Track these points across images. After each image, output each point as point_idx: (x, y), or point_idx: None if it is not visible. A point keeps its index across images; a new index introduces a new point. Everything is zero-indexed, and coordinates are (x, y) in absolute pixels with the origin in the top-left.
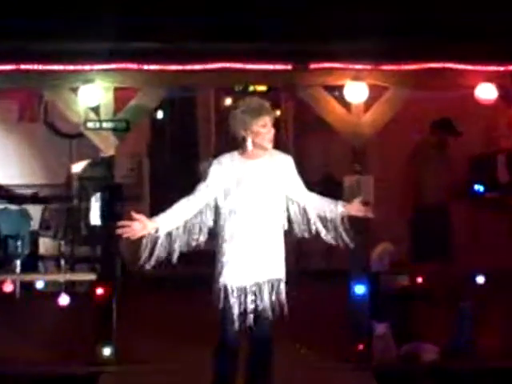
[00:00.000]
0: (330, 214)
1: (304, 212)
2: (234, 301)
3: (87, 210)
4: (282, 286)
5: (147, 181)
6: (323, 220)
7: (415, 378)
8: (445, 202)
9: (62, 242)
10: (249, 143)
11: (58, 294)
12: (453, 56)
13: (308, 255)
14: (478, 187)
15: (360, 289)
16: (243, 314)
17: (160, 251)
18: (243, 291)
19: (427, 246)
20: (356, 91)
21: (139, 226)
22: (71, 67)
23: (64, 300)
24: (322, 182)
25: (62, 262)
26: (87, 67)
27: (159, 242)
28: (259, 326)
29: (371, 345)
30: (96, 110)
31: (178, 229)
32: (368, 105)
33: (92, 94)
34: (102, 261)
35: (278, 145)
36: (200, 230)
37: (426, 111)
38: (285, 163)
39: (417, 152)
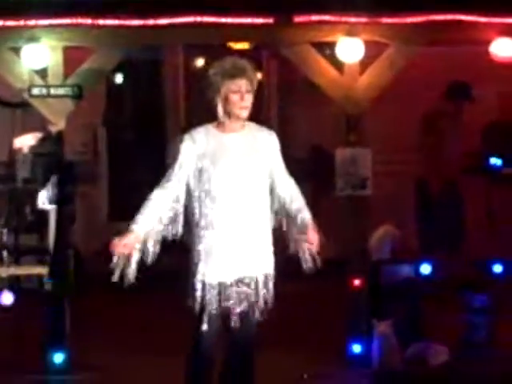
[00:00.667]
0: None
1: (276, 201)
2: (212, 299)
3: (34, 192)
4: (271, 283)
5: (104, 157)
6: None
7: (422, 383)
8: (457, 179)
9: (4, 231)
10: (219, 110)
11: (0, 292)
12: (463, 6)
13: None
14: (495, 161)
15: (358, 281)
16: (223, 314)
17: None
18: (224, 288)
19: (437, 232)
20: (350, 49)
21: (125, 249)
22: (12, 23)
23: (7, 298)
24: (310, 157)
25: (5, 253)
26: (31, 22)
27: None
28: (242, 329)
29: (372, 346)
30: (42, 73)
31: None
32: (364, 65)
33: (37, 55)
34: (53, 252)
35: (260, 113)
36: (175, 220)
37: (432, 72)
38: (267, 141)
39: (427, 122)
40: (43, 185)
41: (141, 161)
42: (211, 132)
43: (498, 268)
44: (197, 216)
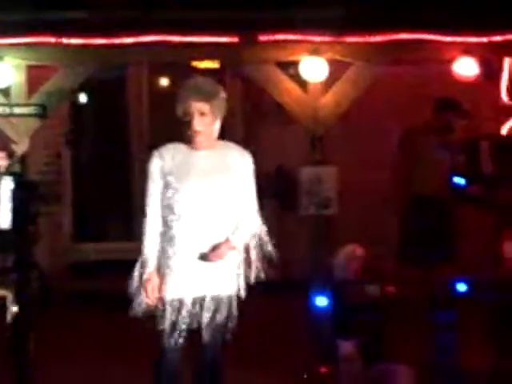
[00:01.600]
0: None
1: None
2: (172, 316)
3: None
4: (233, 304)
5: (68, 177)
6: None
7: None
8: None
9: None
10: (186, 128)
11: None
12: (426, 26)
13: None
14: (459, 180)
15: (322, 301)
16: (182, 332)
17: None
18: (183, 305)
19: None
20: (314, 68)
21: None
22: None
23: None
24: (275, 176)
25: None
26: None
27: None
28: (207, 347)
29: (336, 367)
30: (6, 92)
31: None
32: (328, 84)
33: (1, 74)
34: (16, 273)
35: (225, 132)
36: None
37: (396, 91)
38: (239, 161)
39: (409, 139)
40: (5, 205)
41: (105, 180)
42: (180, 149)
43: (461, 287)
44: (162, 233)
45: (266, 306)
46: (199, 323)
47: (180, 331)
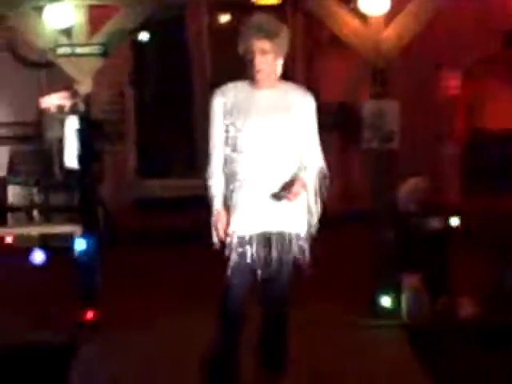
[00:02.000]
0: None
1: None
2: (241, 251)
3: (62, 151)
4: (301, 241)
5: (131, 116)
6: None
7: (452, 336)
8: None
9: (34, 190)
10: (249, 67)
11: (31, 251)
12: None
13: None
14: None
15: (386, 233)
16: (256, 267)
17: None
18: (252, 241)
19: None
20: (375, 1)
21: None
22: None
23: (38, 257)
24: (337, 110)
25: (35, 212)
26: None
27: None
28: (274, 283)
29: (401, 299)
30: (67, 32)
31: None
32: (389, 18)
33: (61, 14)
34: (82, 210)
35: (285, 67)
36: None
37: (462, 23)
38: (300, 101)
39: (474, 73)
40: (71, 144)
41: (167, 119)
42: (242, 87)
43: None
44: (226, 171)
45: (331, 239)
46: (266, 260)
47: (246, 266)
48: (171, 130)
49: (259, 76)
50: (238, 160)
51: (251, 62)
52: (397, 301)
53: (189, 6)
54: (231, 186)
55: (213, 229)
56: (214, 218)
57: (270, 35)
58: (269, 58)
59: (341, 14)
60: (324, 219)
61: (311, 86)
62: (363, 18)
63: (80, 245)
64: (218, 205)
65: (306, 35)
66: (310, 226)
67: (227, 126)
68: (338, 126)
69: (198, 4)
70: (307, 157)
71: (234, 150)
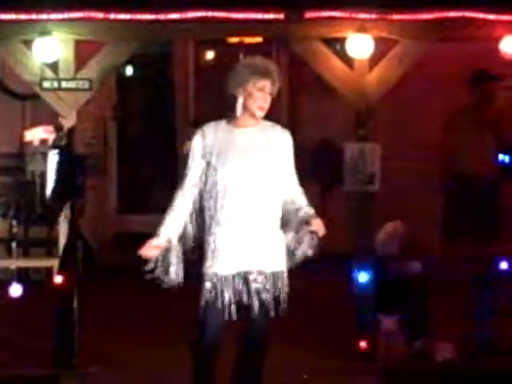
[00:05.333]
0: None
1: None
2: (217, 291)
3: (43, 184)
4: (281, 281)
5: (114, 150)
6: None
7: (427, 379)
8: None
9: (14, 222)
10: (238, 104)
11: (8, 284)
12: (473, 3)
13: None
14: (503, 157)
15: (364, 276)
16: (227, 307)
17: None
18: (232, 281)
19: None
20: (360, 45)
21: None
22: (24, 16)
23: (16, 290)
24: (318, 150)
25: (14, 245)
26: (43, 16)
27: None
28: (253, 323)
29: (377, 342)
30: (54, 66)
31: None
32: (374, 61)
33: (49, 48)
34: (62, 244)
35: (270, 107)
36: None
37: (442, 69)
38: (279, 139)
39: (452, 120)
40: (53, 177)
41: (150, 154)
42: (222, 127)
43: (503, 265)
44: (206, 210)
45: (309, 281)
46: (243, 299)
47: (224, 306)
48: (152, 166)
49: (259, 114)
50: (218, 199)
51: (256, 98)
52: (374, 344)
53: (175, 42)
54: (213, 226)
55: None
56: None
57: (276, 79)
58: (268, 98)
59: (325, 56)
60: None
61: (294, 125)
62: (348, 60)
63: (59, 279)
64: (162, 233)
65: (289, 74)
66: (291, 264)
67: (208, 165)
68: (319, 166)
69: (184, 40)
70: (297, 196)
71: (215, 189)
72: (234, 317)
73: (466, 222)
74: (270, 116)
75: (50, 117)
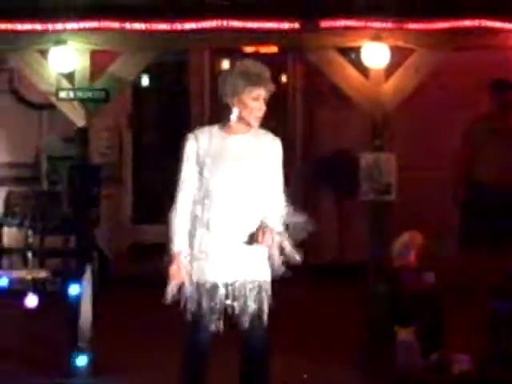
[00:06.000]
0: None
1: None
2: (203, 300)
3: (59, 194)
4: (265, 291)
5: (129, 160)
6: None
7: None
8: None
9: (30, 232)
10: (233, 115)
11: (24, 294)
12: (488, 12)
13: (316, 247)
14: None
15: (379, 287)
16: (215, 317)
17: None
18: (216, 290)
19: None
20: (375, 54)
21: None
22: (40, 26)
23: (32, 301)
24: (334, 159)
25: (30, 255)
26: (59, 26)
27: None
28: (244, 335)
29: (394, 354)
30: (70, 76)
31: None
32: (389, 71)
33: (65, 59)
34: (77, 254)
35: (285, 115)
36: None
37: (459, 78)
38: (270, 147)
39: (471, 129)
40: (69, 187)
41: (165, 164)
42: (215, 133)
43: None
44: (194, 216)
45: (324, 290)
46: (234, 309)
47: (212, 317)
48: (168, 175)
49: (256, 122)
50: (209, 205)
51: (251, 108)
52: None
53: (191, 51)
54: (202, 233)
55: (168, 280)
56: (173, 267)
57: (270, 86)
58: (263, 106)
59: (341, 65)
60: (318, 269)
61: (310, 134)
62: (364, 70)
63: (74, 289)
64: (177, 244)
65: (306, 83)
66: (272, 272)
67: (200, 171)
68: (335, 176)
69: (200, 50)
70: (271, 204)
71: (207, 195)
72: (221, 327)
73: (484, 232)
74: (286, 127)
75: (67, 126)
